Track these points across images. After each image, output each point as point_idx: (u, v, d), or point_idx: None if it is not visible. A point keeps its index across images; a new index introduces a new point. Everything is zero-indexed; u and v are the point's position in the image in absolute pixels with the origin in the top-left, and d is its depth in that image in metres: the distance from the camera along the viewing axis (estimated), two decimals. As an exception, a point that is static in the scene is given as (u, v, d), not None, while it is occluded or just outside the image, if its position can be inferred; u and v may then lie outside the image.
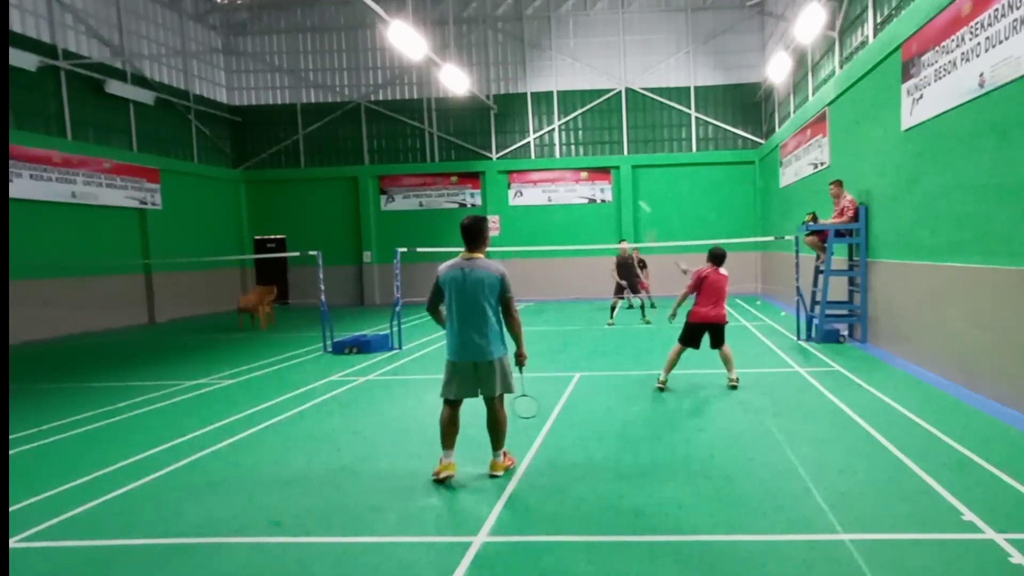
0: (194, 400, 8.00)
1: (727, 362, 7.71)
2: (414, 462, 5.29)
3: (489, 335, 4.71)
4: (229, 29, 22.19)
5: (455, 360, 4.79)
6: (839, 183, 10.68)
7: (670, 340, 11.55)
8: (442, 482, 4.73)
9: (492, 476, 4.87)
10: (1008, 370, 6.29)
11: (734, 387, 7.53)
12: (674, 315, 8.00)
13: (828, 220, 10.69)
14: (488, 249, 4.91)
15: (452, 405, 4.90)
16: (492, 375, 4.75)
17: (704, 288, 7.57)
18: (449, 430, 4.87)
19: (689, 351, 7.81)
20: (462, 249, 4.90)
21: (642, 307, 15.28)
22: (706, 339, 7.75)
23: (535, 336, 12.82)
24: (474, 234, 4.80)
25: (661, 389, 7.54)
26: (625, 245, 15.05)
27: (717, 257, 7.70)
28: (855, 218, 10.30)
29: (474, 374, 4.77)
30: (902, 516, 3.97)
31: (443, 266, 4.81)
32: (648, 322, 14.19)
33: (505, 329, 4.85)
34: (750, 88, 20.71)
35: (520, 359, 4.95)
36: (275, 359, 10.82)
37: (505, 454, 5.04)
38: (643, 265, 16.13)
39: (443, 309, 4.87)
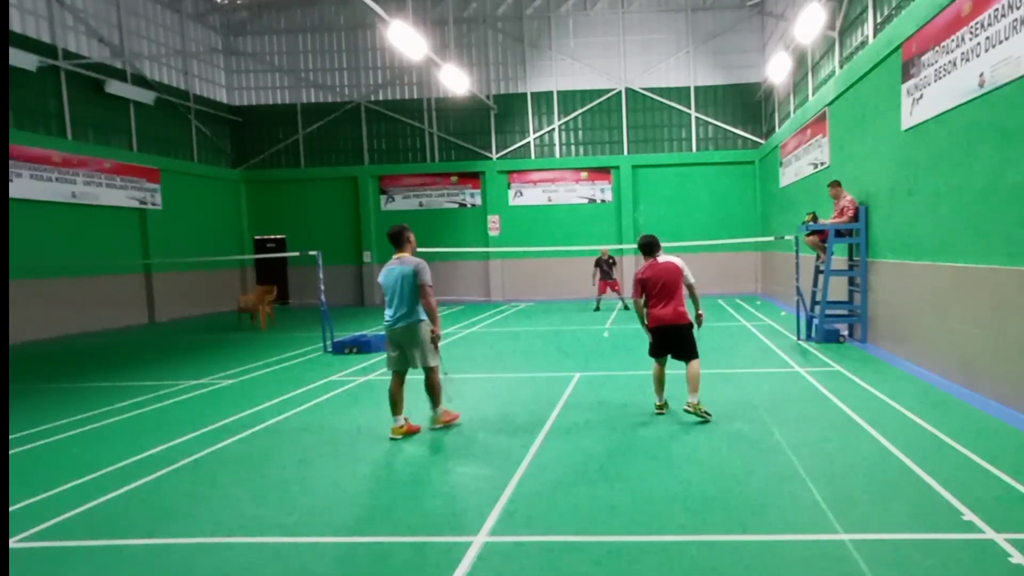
0: (194, 400, 8.00)
1: (690, 382, 6.24)
2: (414, 462, 5.29)
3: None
4: (229, 29, 22.19)
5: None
6: (838, 184, 10.69)
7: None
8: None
9: (434, 429, 6.20)
10: (1008, 370, 6.29)
11: (690, 411, 6.20)
12: (646, 328, 6.59)
13: (828, 220, 10.70)
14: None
15: None
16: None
17: (649, 287, 6.40)
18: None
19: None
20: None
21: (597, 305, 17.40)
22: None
23: (535, 336, 12.82)
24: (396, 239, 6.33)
25: (660, 413, 6.52)
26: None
27: (646, 247, 6.53)
28: (855, 218, 10.30)
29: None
30: (902, 516, 3.97)
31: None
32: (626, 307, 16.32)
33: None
34: (750, 88, 20.71)
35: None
36: (275, 359, 10.82)
37: (445, 411, 6.32)
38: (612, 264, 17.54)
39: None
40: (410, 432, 6.07)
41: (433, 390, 6.22)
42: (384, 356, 6.58)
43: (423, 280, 5.98)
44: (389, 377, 6.19)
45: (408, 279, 6.00)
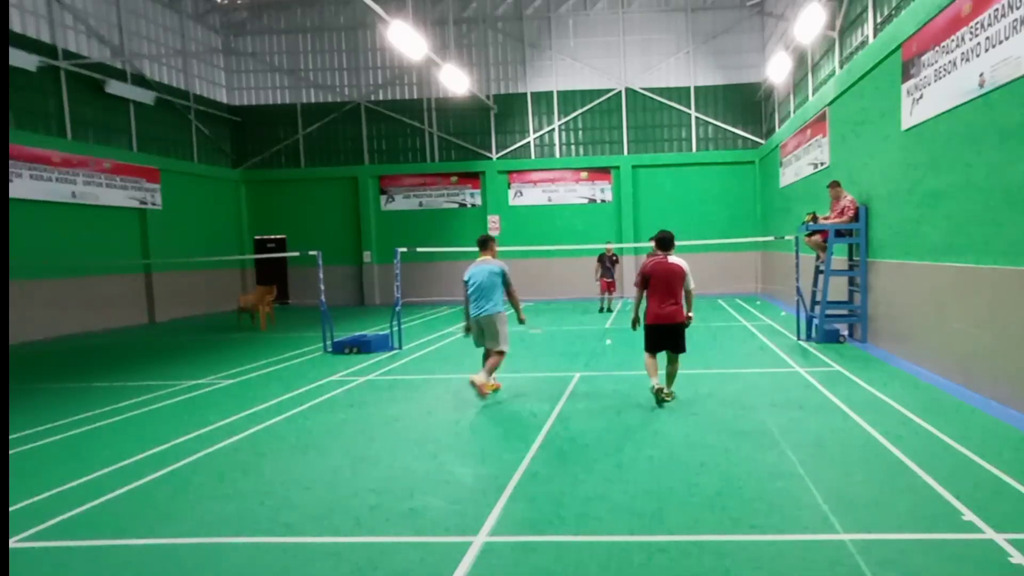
0: (194, 400, 8.00)
1: (669, 376, 6.77)
2: (414, 462, 5.29)
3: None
4: (229, 29, 22.19)
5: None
6: (838, 184, 10.70)
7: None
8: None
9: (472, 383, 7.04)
10: (1008, 370, 6.29)
11: (660, 395, 6.69)
12: (636, 321, 6.97)
13: (828, 219, 10.69)
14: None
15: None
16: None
17: (652, 283, 6.62)
18: None
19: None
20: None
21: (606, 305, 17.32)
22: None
23: (534, 336, 12.82)
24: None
25: (659, 392, 6.73)
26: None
27: (661, 242, 6.70)
28: (855, 218, 10.30)
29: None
30: (902, 516, 3.96)
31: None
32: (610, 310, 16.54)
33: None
34: (750, 88, 20.71)
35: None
36: (275, 359, 10.82)
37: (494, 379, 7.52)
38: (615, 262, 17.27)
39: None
40: (495, 388, 7.67)
41: (492, 366, 7.39)
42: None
43: (509, 279, 7.49)
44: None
45: (496, 276, 7.41)
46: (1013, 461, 4.78)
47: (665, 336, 6.75)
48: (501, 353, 7.44)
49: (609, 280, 16.87)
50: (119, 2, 17.83)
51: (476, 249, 7.77)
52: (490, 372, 7.38)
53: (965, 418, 6.06)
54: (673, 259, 6.65)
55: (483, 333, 7.42)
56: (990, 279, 6.61)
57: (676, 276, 6.57)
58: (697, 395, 7.37)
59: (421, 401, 7.55)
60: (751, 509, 4.15)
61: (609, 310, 17.12)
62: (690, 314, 6.86)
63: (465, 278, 7.52)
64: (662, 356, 7.00)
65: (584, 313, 16.82)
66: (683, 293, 6.71)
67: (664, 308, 6.59)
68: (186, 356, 11.60)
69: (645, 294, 6.82)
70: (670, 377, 6.89)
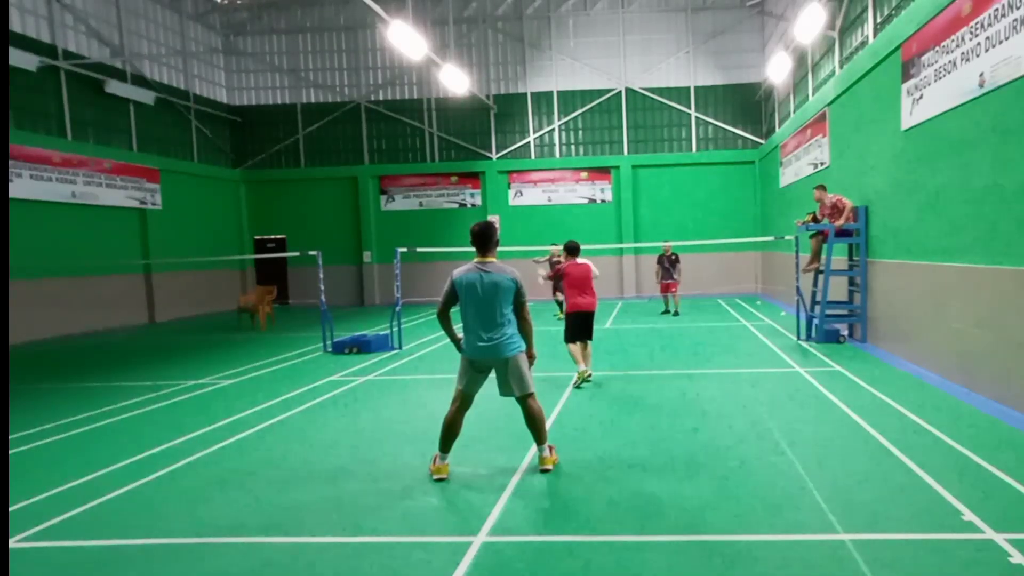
0: (194, 400, 8.00)
1: (587, 357, 8.15)
2: (414, 462, 5.28)
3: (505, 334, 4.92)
4: (229, 29, 22.18)
5: (472, 359, 4.93)
6: (823, 187, 10.78)
7: (669, 342, 11.56)
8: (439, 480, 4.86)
9: (543, 471, 4.92)
10: (1008, 370, 6.29)
11: (587, 380, 7.97)
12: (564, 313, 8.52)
13: (821, 221, 10.69)
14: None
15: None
16: (506, 373, 4.95)
17: (568, 280, 8.14)
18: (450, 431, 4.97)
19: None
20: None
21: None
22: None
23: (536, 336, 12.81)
24: (484, 239, 4.95)
25: (588, 377, 8.00)
26: (556, 248, 15.16)
27: (571, 250, 8.27)
28: (854, 212, 10.29)
29: (489, 374, 5.05)
30: (902, 516, 3.96)
31: (457, 271, 4.94)
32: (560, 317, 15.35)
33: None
34: (750, 88, 20.71)
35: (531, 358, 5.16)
36: (275, 359, 10.82)
37: (551, 448, 5.11)
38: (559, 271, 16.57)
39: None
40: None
41: (542, 425, 5.07)
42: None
43: (525, 296, 4.99)
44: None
45: (509, 292, 4.87)
46: (1013, 461, 4.78)
47: (584, 321, 8.12)
48: (532, 396, 5.06)
49: (669, 281, 15.59)
50: (119, 2, 17.83)
51: (475, 249, 4.99)
52: (544, 435, 5.06)
53: (965, 418, 6.06)
54: (581, 260, 8.22)
55: (483, 379, 5.03)
56: (990, 279, 6.60)
57: (587, 272, 8.14)
58: (697, 395, 7.38)
59: (421, 401, 7.55)
60: (751, 509, 4.14)
61: (676, 313, 15.55)
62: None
63: (449, 286, 4.93)
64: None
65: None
66: (593, 285, 8.19)
67: (582, 298, 8.09)
68: (186, 356, 11.60)
69: (563, 288, 8.35)
70: (588, 358, 8.18)
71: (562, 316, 15.72)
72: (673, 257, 15.58)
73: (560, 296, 16.29)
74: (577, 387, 7.87)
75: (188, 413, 7.28)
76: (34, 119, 15.19)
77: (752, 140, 20.89)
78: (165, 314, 18.48)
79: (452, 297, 4.95)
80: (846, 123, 11.39)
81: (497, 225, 20.70)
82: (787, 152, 16.37)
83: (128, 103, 17.91)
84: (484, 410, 6.99)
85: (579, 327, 8.15)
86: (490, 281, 4.81)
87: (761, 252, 20.36)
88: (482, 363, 4.93)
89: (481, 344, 4.85)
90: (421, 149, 22.14)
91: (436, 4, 21.27)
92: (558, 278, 8.65)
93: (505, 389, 5.01)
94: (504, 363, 4.90)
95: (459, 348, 5.01)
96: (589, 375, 8.06)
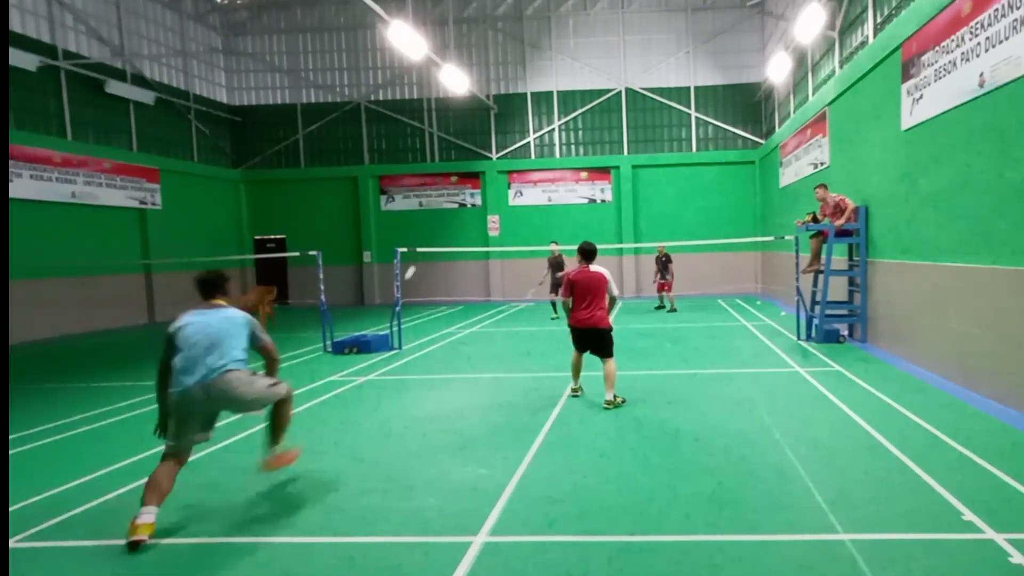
0: (194, 400, 7.99)
1: (607, 379, 6.84)
2: (414, 462, 5.29)
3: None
4: (229, 29, 22.19)
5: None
6: (824, 186, 10.77)
7: (669, 341, 11.55)
8: (136, 546, 3.80)
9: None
10: (1008, 370, 6.29)
11: (609, 408, 6.74)
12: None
13: (825, 220, 10.68)
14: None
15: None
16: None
17: (575, 291, 6.90)
18: None
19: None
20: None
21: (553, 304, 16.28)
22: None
23: (532, 336, 12.82)
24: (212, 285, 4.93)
25: (575, 395, 7.29)
26: (555, 247, 15.61)
27: (584, 253, 6.99)
28: (855, 212, 10.29)
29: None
30: (902, 516, 3.96)
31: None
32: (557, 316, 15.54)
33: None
34: (750, 88, 20.71)
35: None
36: (275, 359, 10.80)
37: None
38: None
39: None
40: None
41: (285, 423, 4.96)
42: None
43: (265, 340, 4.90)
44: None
45: (242, 329, 4.87)
46: (1013, 461, 4.78)
47: (588, 339, 7.03)
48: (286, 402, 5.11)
49: (662, 281, 16.36)
50: (119, 2, 17.83)
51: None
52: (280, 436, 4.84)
53: (965, 418, 6.06)
54: (595, 268, 6.94)
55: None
56: (990, 279, 6.61)
57: (599, 283, 6.87)
58: (697, 395, 7.37)
59: (421, 401, 7.54)
60: (751, 509, 4.15)
61: (673, 310, 16.26)
62: (610, 323, 7.02)
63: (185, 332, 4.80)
64: (596, 361, 7.08)
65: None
66: (607, 300, 6.96)
67: (583, 313, 6.89)
68: (186, 356, 11.57)
69: (572, 301, 7.02)
70: (608, 380, 6.85)
71: (557, 316, 15.70)
72: (665, 258, 16.20)
73: (557, 296, 16.36)
74: (574, 395, 7.33)
75: (188, 413, 7.27)
76: (34, 119, 15.19)
77: (752, 140, 20.89)
78: (165, 314, 18.46)
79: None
80: (846, 123, 11.39)
81: (497, 225, 21.07)
82: (787, 152, 16.37)
83: (128, 103, 17.92)
84: (485, 410, 7.00)
85: (580, 340, 7.09)
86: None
87: (761, 252, 20.36)
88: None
89: None
90: (421, 149, 22.14)
91: (436, 4, 21.27)
92: (558, 285, 7.48)
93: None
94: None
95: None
96: (621, 401, 6.87)
